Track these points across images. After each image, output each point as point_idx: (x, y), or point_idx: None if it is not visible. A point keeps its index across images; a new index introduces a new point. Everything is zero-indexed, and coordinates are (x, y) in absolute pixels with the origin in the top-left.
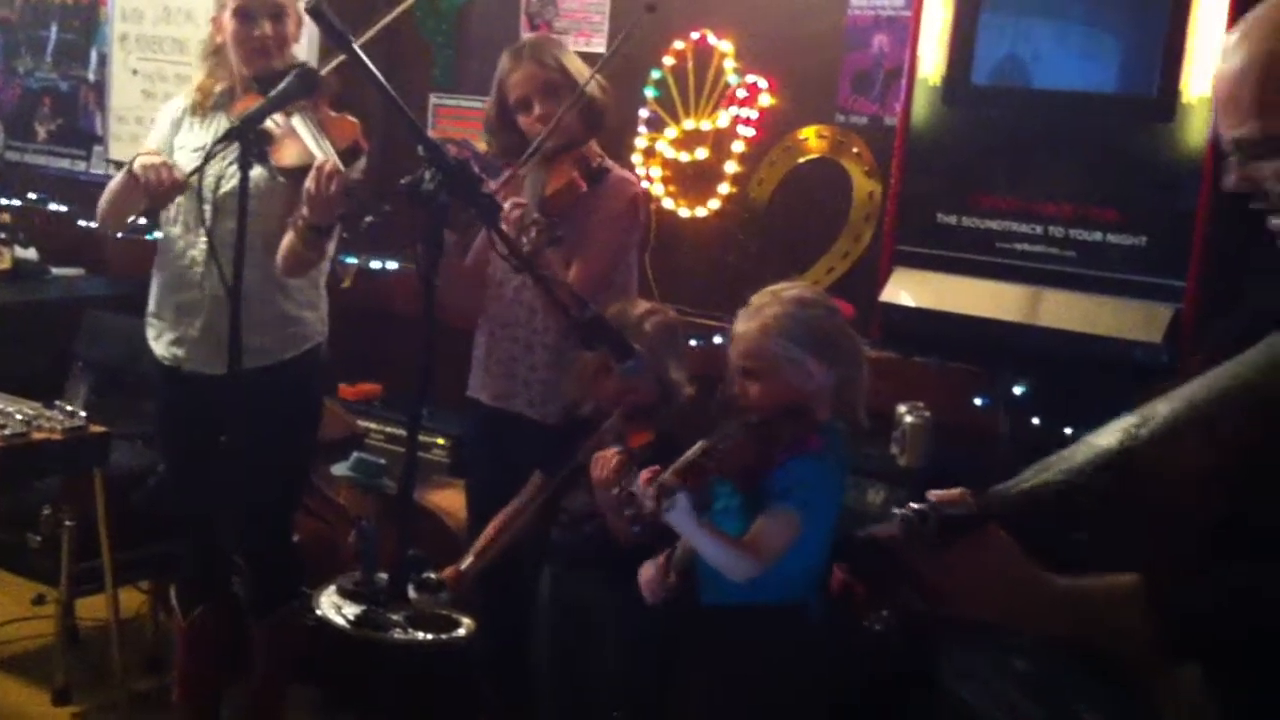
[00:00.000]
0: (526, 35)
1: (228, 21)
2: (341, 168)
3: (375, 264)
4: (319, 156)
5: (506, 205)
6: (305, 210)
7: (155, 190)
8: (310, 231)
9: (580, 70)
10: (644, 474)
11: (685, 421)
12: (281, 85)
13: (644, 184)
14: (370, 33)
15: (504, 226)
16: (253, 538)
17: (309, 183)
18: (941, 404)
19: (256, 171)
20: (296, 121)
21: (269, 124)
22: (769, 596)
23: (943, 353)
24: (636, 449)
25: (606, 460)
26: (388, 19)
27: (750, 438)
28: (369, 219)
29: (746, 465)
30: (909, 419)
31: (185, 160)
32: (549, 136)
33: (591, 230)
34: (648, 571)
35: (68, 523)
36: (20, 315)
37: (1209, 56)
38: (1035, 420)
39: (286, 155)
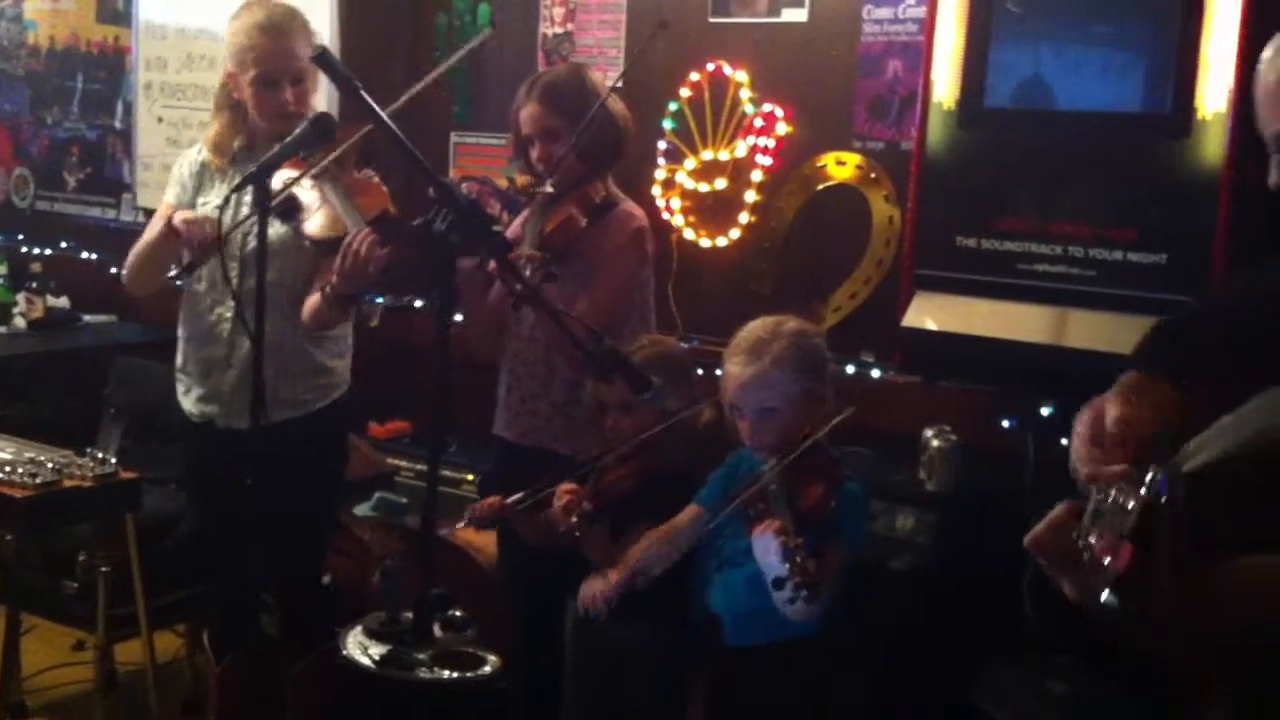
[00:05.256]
0: (550, 68)
1: (248, 86)
2: (375, 244)
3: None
4: (350, 228)
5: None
6: (336, 281)
7: (194, 243)
8: (339, 299)
9: (590, 110)
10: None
11: (701, 448)
12: (297, 132)
13: (665, 215)
14: (402, 100)
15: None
16: (281, 584)
17: (340, 259)
18: (967, 427)
19: (280, 228)
20: (327, 189)
21: (299, 193)
22: (799, 632)
23: (967, 376)
24: (607, 484)
25: (559, 496)
26: (419, 86)
27: (804, 483)
28: (406, 299)
29: (817, 509)
30: (936, 443)
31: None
32: (551, 178)
33: (597, 265)
34: (596, 586)
35: (103, 569)
36: (53, 363)
37: (1223, 72)
38: (1063, 440)
39: (318, 226)
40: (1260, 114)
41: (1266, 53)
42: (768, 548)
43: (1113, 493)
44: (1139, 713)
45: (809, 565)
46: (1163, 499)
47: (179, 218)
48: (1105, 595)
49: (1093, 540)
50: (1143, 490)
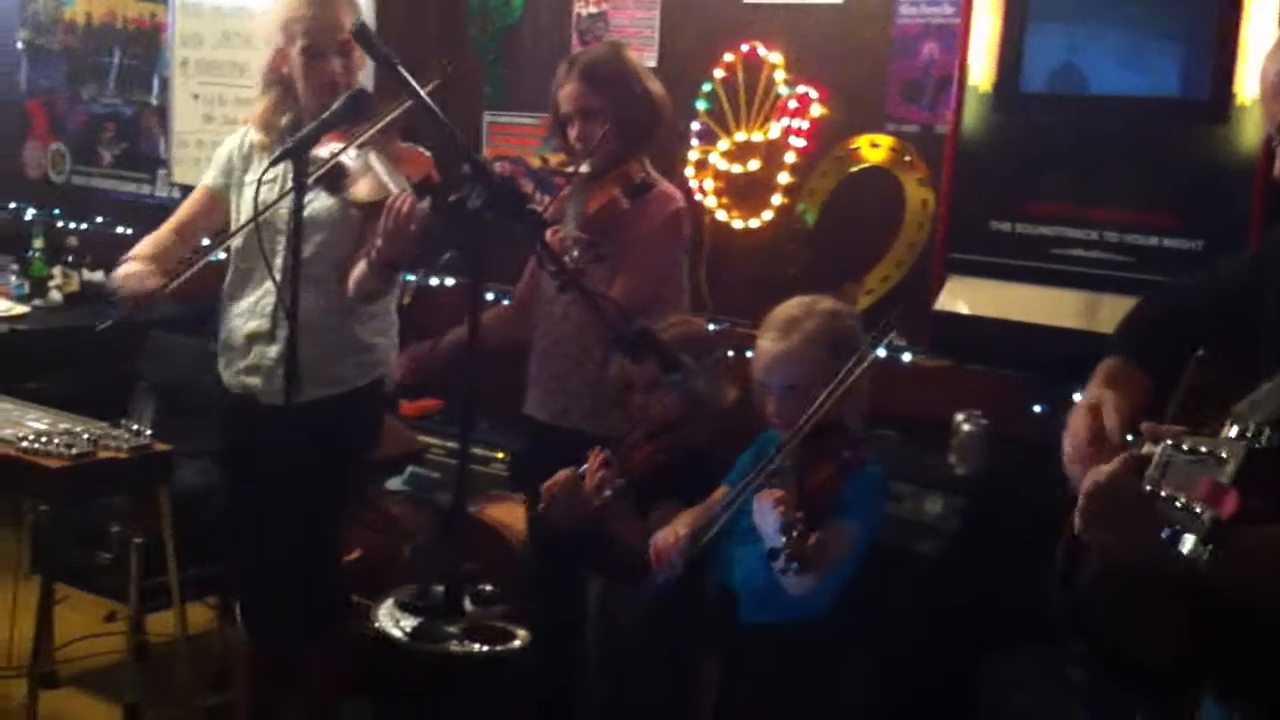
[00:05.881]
0: (593, 45)
1: (296, 57)
2: (416, 202)
3: (434, 280)
4: (394, 191)
5: (548, 232)
6: (380, 244)
7: (130, 302)
8: (384, 266)
9: (630, 90)
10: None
11: (724, 429)
12: (334, 108)
13: (698, 196)
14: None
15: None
16: (302, 561)
17: (384, 219)
18: (999, 412)
19: (326, 200)
20: (371, 157)
21: (345, 161)
22: (813, 611)
23: (999, 360)
24: (636, 460)
25: (591, 474)
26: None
27: (814, 461)
28: (447, 255)
29: (824, 488)
30: (967, 427)
31: (254, 195)
32: (589, 158)
33: (634, 245)
34: (668, 539)
35: (136, 540)
36: (87, 336)
37: (1263, 58)
38: None
39: (362, 190)
40: (1264, 108)
41: (1269, 48)
42: (766, 518)
43: (1187, 444)
44: (1156, 703)
45: (805, 539)
46: (1261, 444)
47: (117, 274)
48: (1191, 545)
49: (1169, 491)
50: (1242, 435)
